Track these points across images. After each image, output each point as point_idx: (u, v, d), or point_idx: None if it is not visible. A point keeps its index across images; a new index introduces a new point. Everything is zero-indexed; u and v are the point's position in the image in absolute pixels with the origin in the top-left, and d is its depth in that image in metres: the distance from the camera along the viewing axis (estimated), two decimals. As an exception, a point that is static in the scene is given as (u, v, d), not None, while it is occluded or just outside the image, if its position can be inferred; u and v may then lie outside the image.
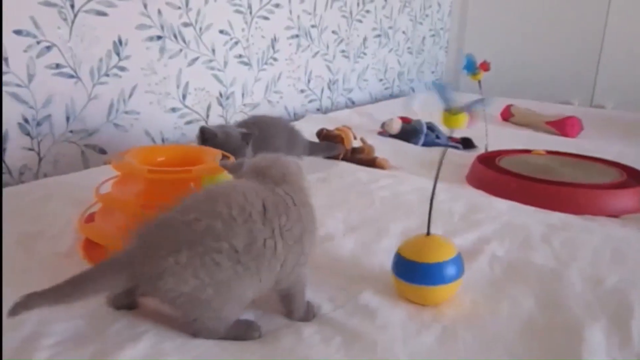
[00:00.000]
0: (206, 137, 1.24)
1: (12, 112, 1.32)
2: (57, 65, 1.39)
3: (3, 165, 1.33)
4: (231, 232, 0.65)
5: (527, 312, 0.80)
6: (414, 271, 0.79)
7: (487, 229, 1.08)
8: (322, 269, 0.90)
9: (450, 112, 0.75)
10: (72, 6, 1.39)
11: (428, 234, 0.82)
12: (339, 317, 0.76)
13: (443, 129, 0.91)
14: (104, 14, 1.46)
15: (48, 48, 1.37)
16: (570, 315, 0.78)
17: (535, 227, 1.10)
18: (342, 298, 0.82)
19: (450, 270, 0.78)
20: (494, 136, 1.75)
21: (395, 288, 0.83)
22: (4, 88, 1.30)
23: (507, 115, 2.31)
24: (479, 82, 1.59)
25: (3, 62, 1.28)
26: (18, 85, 1.32)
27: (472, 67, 1.55)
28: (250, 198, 0.69)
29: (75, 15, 1.40)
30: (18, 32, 1.30)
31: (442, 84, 0.77)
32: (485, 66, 1.57)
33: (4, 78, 1.29)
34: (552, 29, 2.93)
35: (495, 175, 1.39)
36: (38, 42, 1.34)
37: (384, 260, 0.91)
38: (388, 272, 0.85)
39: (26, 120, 1.35)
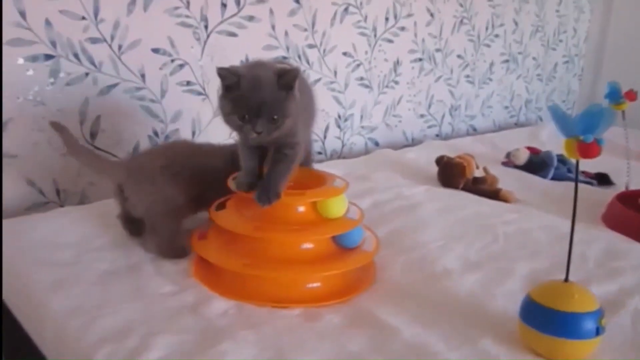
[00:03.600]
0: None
1: (145, 125, 1.40)
2: (188, 83, 1.46)
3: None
4: None
5: (680, 384, 0.68)
6: (548, 320, 0.70)
7: (629, 279, 0.95)
8: (437, 307, 0.84)
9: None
10: (206, 27, 1.45)
11: (566, 280, 0.73)
12: (455, 362, 0.70)
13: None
14: (234, 34, 1.52)
15: (181, 66, 1.44)
16: None
17: (689, 282, 0.95)
18: (459, 341, 0.75)
19: (590, 325, 0.69)
20: (636, 173, 1.57)
21: (521, 337, 0.74)
22: (140, 103, 1.38)
23: (651, 151, 2.08)
24: (623, 112, 1.44)
25: (140, 78, 1.36)
26: (152, 101, 1.40)
27: (617, 96, 1.41)
28: None
29: (207, 36, 1.47)
30: (156, 51, 1.38)
31: (560, 109, 0.69)
32: (632, 95, 1.42)
33: (141, 93, 1.37)
34: None
35: (638, 217, 1.24)
36: (172, 60, 1.42)
37: (508, 304, 0.83)
38: (512, 318, 0.77)
39: (155, 133, 1.43)
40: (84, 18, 1.25)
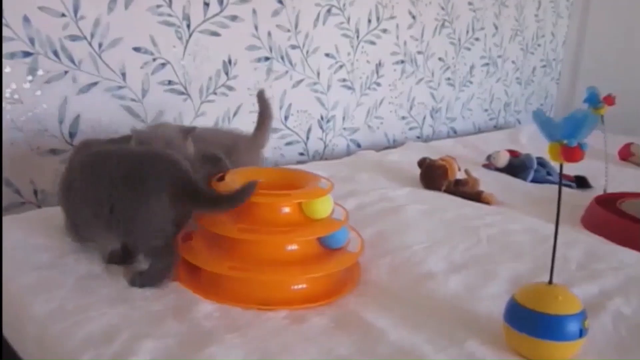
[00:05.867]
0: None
1: (125, 125, 1.37)
2: (170, 82, 1.44)
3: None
4: None
5: (661, 384, 0.69)
6: (532, 322, 0.71)
7: (609, 281, 0.96)
8: (423, 309, 0.84)
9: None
10: (189, 26, 1.44)
11: (550, 282, 0.74)
12: (441, 365, 0.70)
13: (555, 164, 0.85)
14: (217, 34, 1.50)
15: (162, 65, 1.42)
16: None
17: (668, 283, 0.96)
18: (444, 343, 0.75)
19: (574, 327, 0.70)
20: (613, 176, 1.60)
21: (506, 339, 0.75)
22: (121, 102, 1.36)
23: (627, 155, 2.12)
24: (602, 116, 1.47)
25: (121, 77, 1.34)
26: (133, 100, 1.38)
27: (596, 101, 1.43)
28: None
29: (190, 35, 1.45)
30: (137, 49, 1.36)
31: (544, 114, 0.70)
32: (610, 100, 1.44)
33: (121, 92, 1.35)
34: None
35: (617, 220, 1.26)
36: (154, 59, 1.40)
37: (492, 306, 0.84)
38: (496, 320, 0.77)
39: (137, 133, 1.40)
40: (63, 15, 1.23)
